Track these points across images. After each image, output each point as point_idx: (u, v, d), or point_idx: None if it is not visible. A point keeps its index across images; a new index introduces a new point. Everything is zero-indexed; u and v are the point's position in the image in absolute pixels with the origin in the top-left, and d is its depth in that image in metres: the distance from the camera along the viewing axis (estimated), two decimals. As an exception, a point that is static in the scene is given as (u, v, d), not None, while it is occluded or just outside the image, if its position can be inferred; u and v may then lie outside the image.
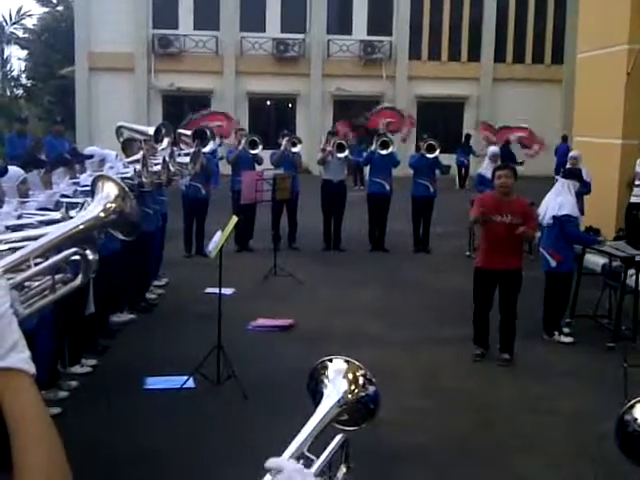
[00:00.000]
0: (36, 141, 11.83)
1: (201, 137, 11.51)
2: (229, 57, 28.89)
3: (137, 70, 28.56)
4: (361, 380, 1.48)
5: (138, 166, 6.82)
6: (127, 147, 8.38)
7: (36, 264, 1.45)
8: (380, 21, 29.58)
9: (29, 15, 36.68)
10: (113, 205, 1.64)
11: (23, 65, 36.97)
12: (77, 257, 1.53)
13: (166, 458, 5.08)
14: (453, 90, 29.23)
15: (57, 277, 1.49)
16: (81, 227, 1.58)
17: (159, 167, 7.19)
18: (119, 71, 27.99)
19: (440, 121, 29.17)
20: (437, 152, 12.42)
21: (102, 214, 1.63)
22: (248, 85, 28.86)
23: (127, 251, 7.12)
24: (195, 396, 6.12)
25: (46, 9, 37.09)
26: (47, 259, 1.48)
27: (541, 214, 7.89)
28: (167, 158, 7.22)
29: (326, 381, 1.48)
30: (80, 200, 3.91)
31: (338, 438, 1.43)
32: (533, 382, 6.72)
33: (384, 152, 12.49)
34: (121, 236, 1.74)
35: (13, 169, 5.37)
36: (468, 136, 25.26)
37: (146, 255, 8.58)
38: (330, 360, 1.52)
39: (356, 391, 1.47)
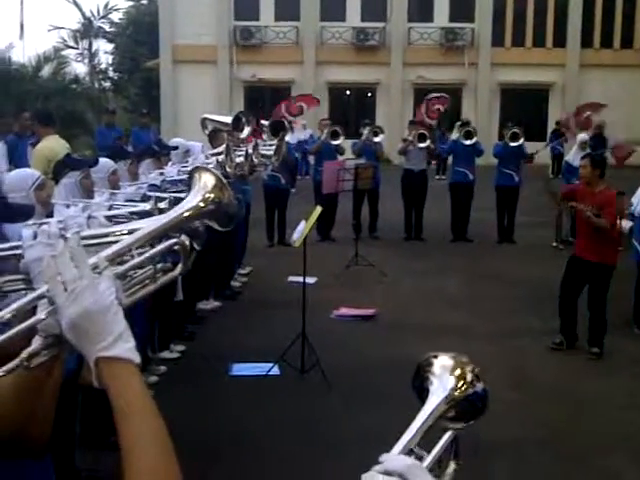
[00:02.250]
0: (123, 133, 12.13)
1: (280, 129, 11.54)
2: (309, 47, 28.98)
3: (219, 62, 28.99)
4: (469, 377, 1.44)
5: (221, 157, 6.88)
6: (213, 138, 8.46)
7: (138, 254, 1.48)
8: (462, 7, 29.08)
9: (116, 9, 37.62)
10: (211, 195, 1.65)
11: (110, 58, 37.98)
12: (177, 247, 1.56)
13: (250, 443, 5.14)
14: (537, 77, 28.49)
15: (158, 266, 1.52)
16: (182, 217, 1.60)
17: (242, 159, 7.24)
18: (202, 63, 28.49)
19: (524, 108, 28.49)
20: (521, 140, 12.13)
21: (201, 204, 1.64)
22: (328, 75, 28.90)
23: (214, 240, 7.23)
24: (280, 383, 6.19)
25: (131, 3, 38.03)
26: (149, 249, 1.51)
27: (634, 204, 7.63)
28: (250, 150, 7.27)
29: (432, 377, 1.44)
30: (166, 195, 3.97)
31: (448, 434, 1.40)
32: (623, 377, 6.53)
33: (468, 142, 12.34)
34: (217, 227, 1.75)
35: (104, 160, 5.42)
36: (559, 123, 24.45)
37: (231, 244, 8.72)
38: (435, 356, 1.48)
39: (464, 388, 1.43)
